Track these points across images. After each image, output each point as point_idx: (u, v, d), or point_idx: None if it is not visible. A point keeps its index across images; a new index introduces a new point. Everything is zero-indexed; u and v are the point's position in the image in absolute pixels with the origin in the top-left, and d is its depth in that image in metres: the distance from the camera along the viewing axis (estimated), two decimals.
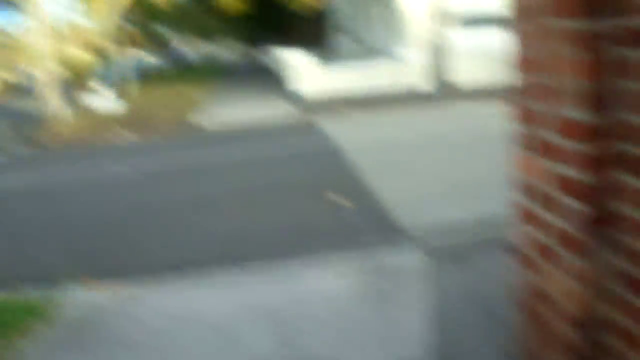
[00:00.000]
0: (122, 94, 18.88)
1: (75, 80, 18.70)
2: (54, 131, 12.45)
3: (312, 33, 30.80)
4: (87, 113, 15.22)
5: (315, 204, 5.18)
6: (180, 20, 44.88)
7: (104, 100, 16.32)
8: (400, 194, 5.18)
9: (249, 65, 37.01)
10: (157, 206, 5.86)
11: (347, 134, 8.75)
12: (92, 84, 17.37)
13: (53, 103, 13.70)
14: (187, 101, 15.75)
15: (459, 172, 5.74)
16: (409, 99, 11.85)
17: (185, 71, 37.90)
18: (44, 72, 13.58)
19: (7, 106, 20.78)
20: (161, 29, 45.51)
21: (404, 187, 5.46)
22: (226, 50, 65.61)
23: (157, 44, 48.34)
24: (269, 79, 20.02)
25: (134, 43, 55.68)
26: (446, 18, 13.03)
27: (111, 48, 21.38)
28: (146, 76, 29.39)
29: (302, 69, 13.26)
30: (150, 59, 50.02)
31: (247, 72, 28.02)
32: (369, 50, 17.84)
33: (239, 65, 38.74)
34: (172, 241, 4.61)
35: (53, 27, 18.64)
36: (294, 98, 13.05)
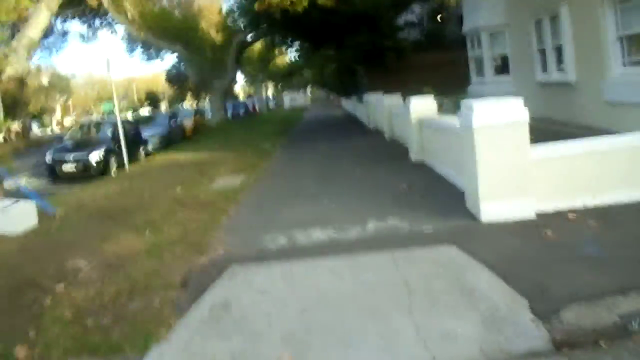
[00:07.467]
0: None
1: None
2: None
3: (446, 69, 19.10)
4: None
5: None
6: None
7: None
8: None
9: (344, 118, 24.45)
10: None
11: None
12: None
13: None
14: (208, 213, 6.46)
15: None
16: None
17: (237, 123, 27.11)
18: None
19: None
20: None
21: None
22: (298, 94, 48.50)
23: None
24: (380, 149, 11.15)
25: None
26: None
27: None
28: (179, 137, 20.26)
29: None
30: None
31: (339, 130, 17.41)
32: None
33: (331, 119, 25.61)
34: None
35: None
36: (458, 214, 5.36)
